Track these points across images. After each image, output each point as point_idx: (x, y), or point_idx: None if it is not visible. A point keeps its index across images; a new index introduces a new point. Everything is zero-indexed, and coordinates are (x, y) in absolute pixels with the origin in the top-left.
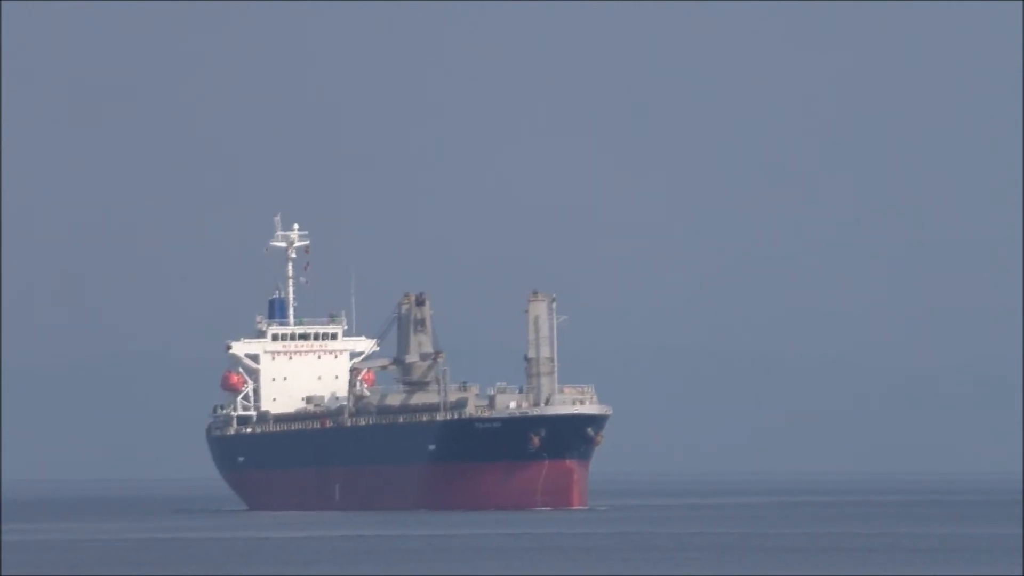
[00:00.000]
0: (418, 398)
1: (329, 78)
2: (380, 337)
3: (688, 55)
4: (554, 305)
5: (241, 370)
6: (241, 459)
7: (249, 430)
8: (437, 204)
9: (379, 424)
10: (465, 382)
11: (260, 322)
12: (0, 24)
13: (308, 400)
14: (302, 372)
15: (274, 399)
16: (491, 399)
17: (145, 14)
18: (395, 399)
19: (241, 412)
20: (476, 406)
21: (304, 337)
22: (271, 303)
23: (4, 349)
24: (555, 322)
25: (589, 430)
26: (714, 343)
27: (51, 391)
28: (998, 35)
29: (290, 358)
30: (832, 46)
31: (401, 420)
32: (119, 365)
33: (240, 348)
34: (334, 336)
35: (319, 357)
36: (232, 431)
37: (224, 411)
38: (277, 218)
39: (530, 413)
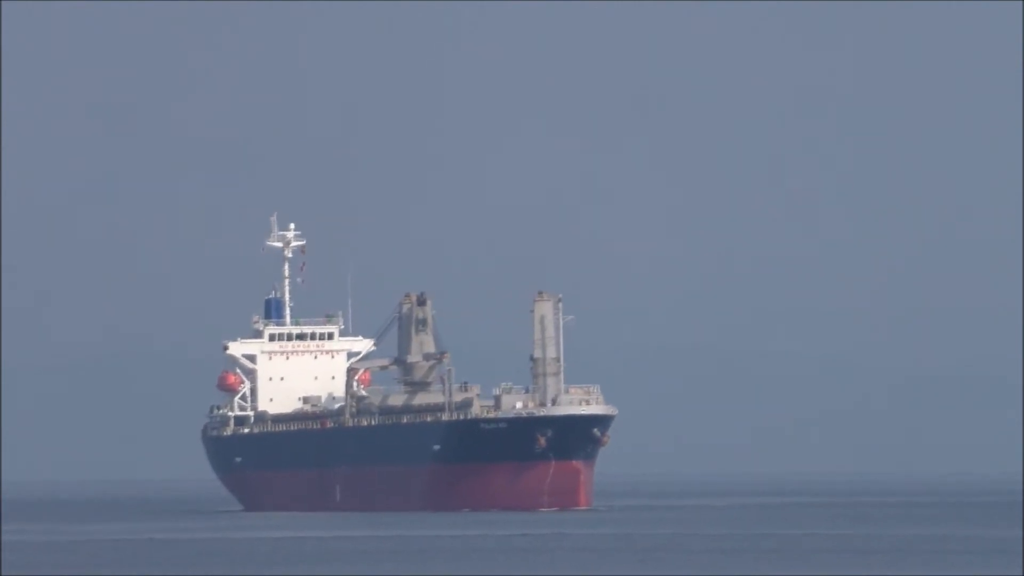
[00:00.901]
0: (420, 398)
1: (329, 78)
2: (378, 337)
3: (690, 55)
4: (560, 305)
5: (238, 370)
6: (238, 460)
7: (247, 430)
8: (435, 204)
9: (382, 424)
10: (466, 382)
11: (256, 322)
12: (0, 24)
13: (305, 400)
14: (299, 372)
15: (271, 399)
16: (497, 399)
17: (144, 14)
18: (397, 399)
19: (238, 412)
20: (482, 406)
21: (301, 337)
22: (267, 303)
23: (4, 349)
24: (561, 322)
25: (595, 431)
26: (717, 343)
27: (49, 392)
28: (998, 35)
29: (287, 358)
30: (832, 46)
31: (405, 420)
32: (117, 365)
33: (237, 348)
34: (331, 336)
35: (316, 357)
36: (229, 431)
37: (221, 411)
38: (273, 218)
39: (537, 413)
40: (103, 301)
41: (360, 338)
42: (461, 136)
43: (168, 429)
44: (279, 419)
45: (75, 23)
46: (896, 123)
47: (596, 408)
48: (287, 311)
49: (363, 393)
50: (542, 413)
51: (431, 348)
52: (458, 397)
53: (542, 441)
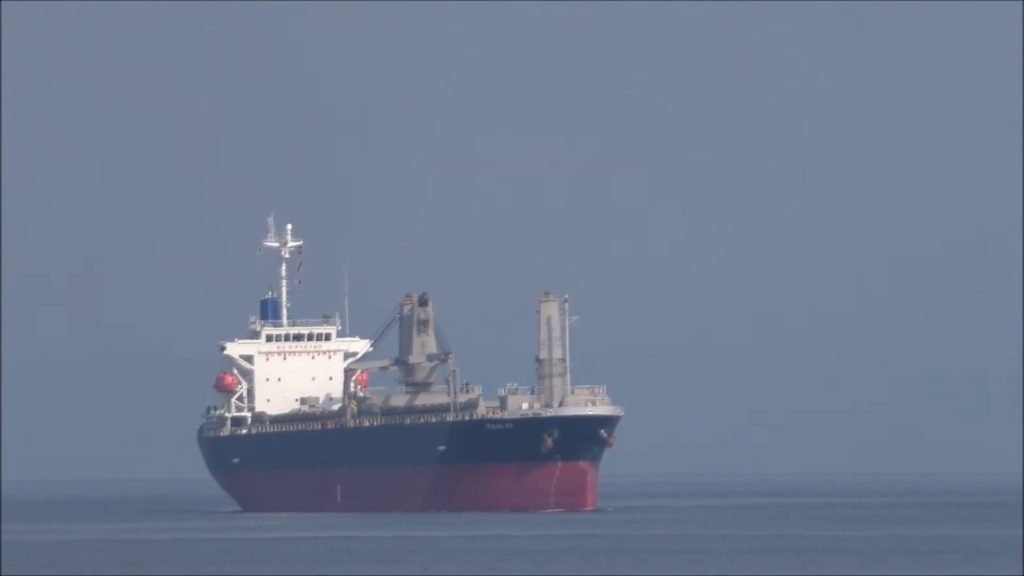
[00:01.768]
0: (422, 399)
1: (329, 78)
2: (377, 338)
3: (691, 55)
4: (567, 306)
5: (235, 371)
6: (236, 460)
7: (245, 431)
8: (433, 205)
9: (385, 425)
10: (467, 383)
11: (253, 323)
12: (0, 24)
13: (303, 401)
14: (296, 373)
15: (268, 400)
16: (502, 400)
17: (143, 14)
18: (399, 400)
19: (235, 413)
20: (487, 407)
21: (298, 338)
22: (263, 304)
23: (4, 350)
24: (567, 323)
25: (602, 431)
26: (719, 344)
27: (48, 392)
28: (998, 35)
29: (284, 359)
30: (832, 46)
31: (408, 421)
32: (115, 366)
33: (234, 349)
34: (328, 337)
35: (313, 358)
36: (226, 432)
37: (218, 412)
38: (270, 219)
39: (543, 414)
40: (101, 301)
41: (357, 339)
42: (461, 136)
43: (164, 429)
44: (278, 420)
45: (75, 23)
46: (896, 123)
47: (603, 409)
48: (284, 312)
49: (363, 394)
50: (549, 414)
51: (432, 349)
52: (462, 398)
53: (549, 442)
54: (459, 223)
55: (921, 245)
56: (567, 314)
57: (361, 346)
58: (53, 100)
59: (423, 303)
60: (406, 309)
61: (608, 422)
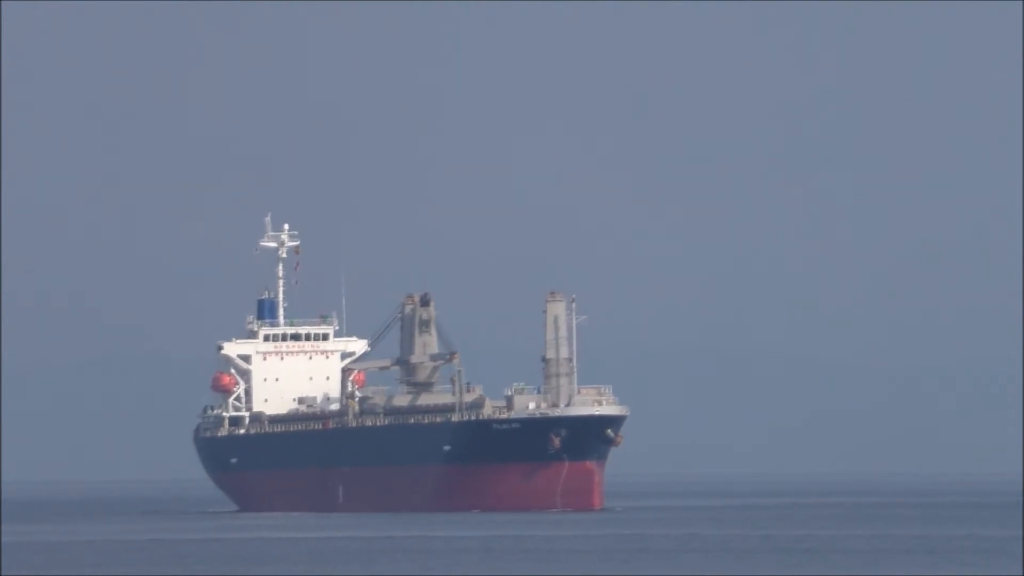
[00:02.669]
0: (424, 399)
1: (329, 77)
2: (376, 338)
3: (694, 57)
4: (573, 305)
5: (233, 371)
6: (234, 460)
7: (242, 431)
8: (431, 205)
9: (389, 425)
10: (468, 382)
11: (251, 322)
12: (0, 24)
13: (300, 401)
14: (294, 373)
15: (266, 400)
16: (509, 400)
17: (141, 14)
18: (402, 400)
19: (233, 413)
20: (493, 407)
21: (296, 338)
22: (260, 303)
23: (4, 350)
24: (574, 322)
25: (609, 431)
26: (721, 344)
27: (46, 392)
28: (998, 35)
29: (282, 359)
30: (833, 46)
31: (412, 421)
32: (112, 366)
33: (232, 349)
34: (325, 337)
35: (311, 358)
36: (224, 432)
37: (215, 412)
38: (267, 218)
39: (551, 414)
40: (98, 301)
41: (354, 339)
42: (460, 136)
43: (161, 429)
44: (277, 420)
45: (72, 22)
46: (896, 123)
47: (610, 408)
48: (281, 312)
49: (365, 394)
50: (556, 413)
51: (434, 349)
52: (467, 397)
53: (556, 442)
54: (459, 223)
55: (921, 245)
56: (574, 314)
57: (359, 346)
58: (53, 100)
59: (425, 303)
60: (407, 309)
61: (615, 422)
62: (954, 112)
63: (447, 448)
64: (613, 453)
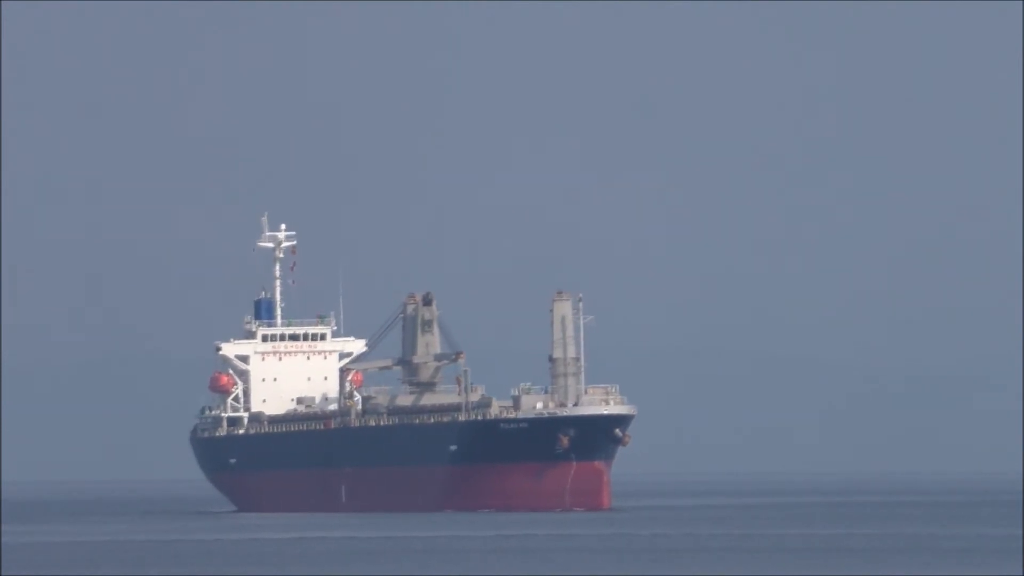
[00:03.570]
0: (427, 399)
1: (327, 76)
2: (373, 338)
3: (694, 56)
4: (580, 305)
5: (231, 371)
6: (233, 460)
7: (242, 431)
8: (429, 205)
9: (393, 425)
10: (470, 382)
11: (248, 323)
12: (0, 24)
13: (299, 401)
14: (292, 373)
15: (264, 400)
16: (516, 399)
17: (138, 13)
18: (406, 400)
19: (231, 413)
20: (500, 407)
21: (294, 338)
22: (257, 304)
23: (4, 350)
24: (582, 322)
25: (617, 431)
26: (726, 343)
27: (41, 393)
28: (998, 35)
29: (280, 359)
30: (832, 46)
31: (417, 421)
32: (109, 366)
33: (230, 349)
34: (323, 337)
35: (308, 358)
36: (222, 432)
37: (213, 412)
38: (264, 219)
39: (559, 414)
40: (95, 301)
41: (352, 339)
42: (461, 135)
43: (158, 430)
44: (276, 420)
45: (73, 23)
46: (896, 123)
47: (619, 408)
48: (278, 312)
49: (368, 394)
50: (565, 413)
51: (437, 348)
52: (473, 397)
53: (564, 441)
54: (459, 223)
55: (921, 245)
56: (581, 313)
57: (357, 346)
58: (53, 100)
59: (427, 303)
60: (409, 309)
61: (623, 421)
62: (954, 112)
63: (453, 448)
64: (619, 452)
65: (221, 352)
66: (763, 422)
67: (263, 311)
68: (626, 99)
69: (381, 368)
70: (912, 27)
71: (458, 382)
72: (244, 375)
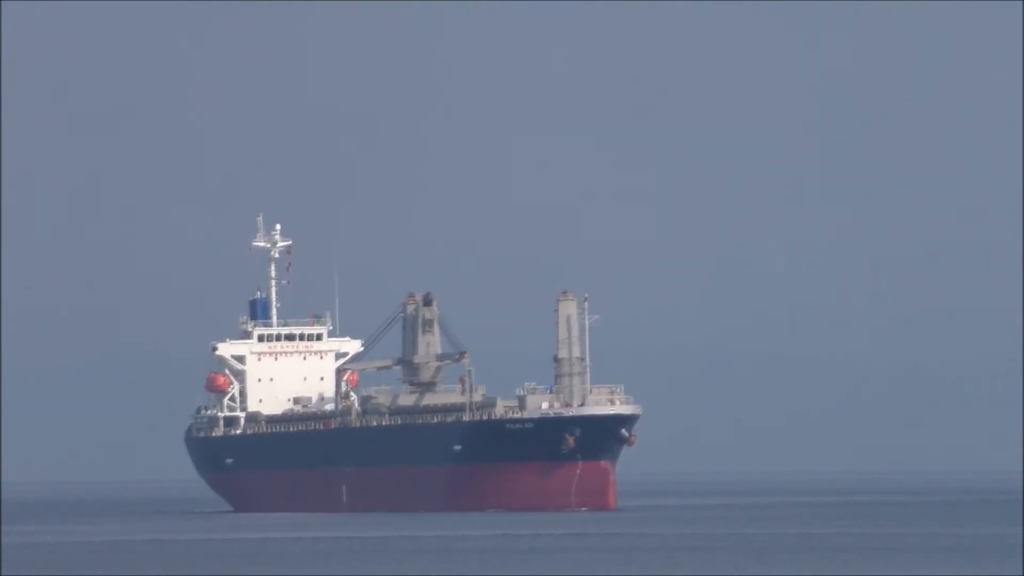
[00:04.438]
0: (429, 399)
1: (325, 75)
2: (373, 337)
3: (695, 56)
4: (586, 304)
5: (227, 371)
6: (230, 460)
7: (239, 431)
8: (427, 204)
9: (396, 424)
10: (473, 383)
11: (244, 323)
12: (0, 24)
13: (295, 401)
14: (288, 373)
15: (260, 400)
16: (521, 399)
17: (135, 12)
18: (407, 400)
19: (228, 413)
20: (505, 407)
21: (290, 338)
22: (252, 304)
23: (4, 349)
24: (587, 322)
25: (623, 430)
26: (732, 343)
27: (44, 392)
28: (998, 35)
29: (276, 359)
30: (832, 46)
31: (420, 421)
32: (104, 366)
33: (226, 349)
34: (319, 337)
35: (304, 358)
36: (218, 432)
37: (209, 412)
38: (259, 218)
39: (565, 413)
40: (91, 300)
41: (348, 339)
42: (462, 134)
43: (152, 429)
44: (274, 420)
45: (73, 23)
46: (896, 122)
47: (624, 408)
48: (273, 312)
49: (368, 393)
50: (571, 413)
51: (438, 348)
52: (474, 397)
53: (571, 441)
54: (458, 223)
55: (921, 244)
56: (586, 313)
57: (353, 346)
58: (51, 99)
59: (427, 302)
60: (409, 309)
61: (630, 421)
62: (953, 111)
63: (458, 448)
64: (625, 452)
65: (218, 352)
66: (769, 421)
67: (258, 311)
68: (631, 97)
69: (380, 368)
70: (912, 27)
71: (462, 382)
72: (240, 375)
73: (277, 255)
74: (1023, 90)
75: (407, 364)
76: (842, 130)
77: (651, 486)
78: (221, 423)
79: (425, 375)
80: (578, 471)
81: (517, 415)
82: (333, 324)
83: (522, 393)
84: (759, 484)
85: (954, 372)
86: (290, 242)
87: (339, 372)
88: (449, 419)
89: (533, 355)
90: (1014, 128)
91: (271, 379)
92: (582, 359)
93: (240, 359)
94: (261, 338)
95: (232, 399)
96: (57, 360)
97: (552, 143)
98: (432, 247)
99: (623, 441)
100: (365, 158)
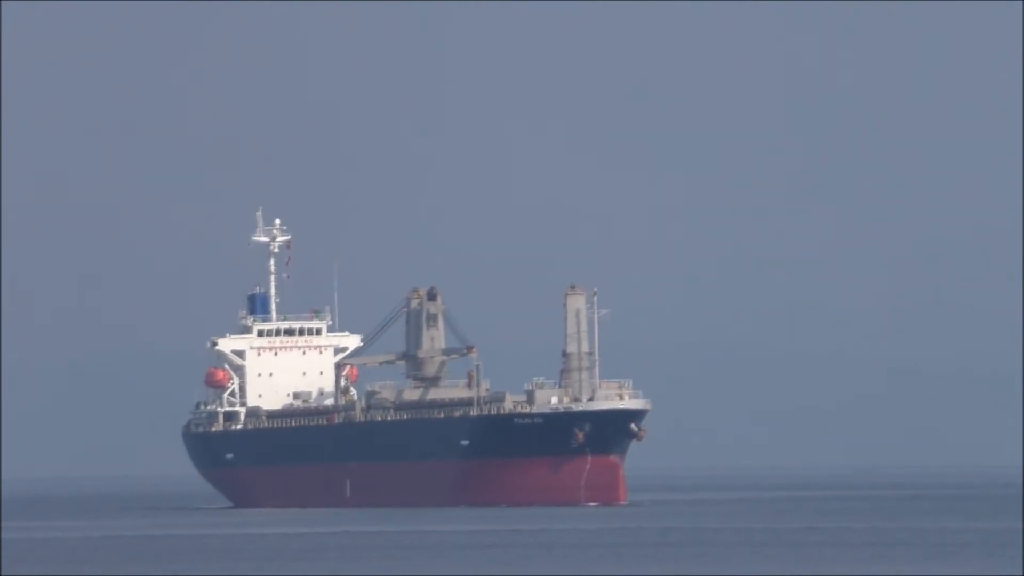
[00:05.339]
0: (433, 393)
1: (325, 73)
2: (375, 332)
3: (694, 55)
4: (595, 299)
5: (226, 366)
6: (230, 456)
7: (239, 426)
8: (430, 201)
9: (402, 419)
10: (481, 377)
11: (243, 318)
12: (0, 24)
13: (295, 396)
14: (288, 368)
15: (260, 395)
16: (530, 394)
17: (133, 11)
18: (412, 395)
19: (227, 408)
20: (514, 401)
21: (289, 333)
22: (252, 298)
23: (4, 349)
24: (596, 316)
25: (632, 425)
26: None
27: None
28: (998, 35)
29: (275, 354)
30: (832, 45)
31: (426, 416)
32: (104, 361)
33: (226, 344)
34: (319, 332)
35: (304, 353)
36: (218, 427)
37: (209, 407)
38: (259, 213)
39: (574, 408)
40: (90, 296)
41: (347, 334)
42: (463, 133)
43: (151, 425)
44: (275, 415)
45: (73, 23)
46: (895, 121)
47: (634, 402)
48: (273, 307)
49: (368, 388)
50: (580, 408)
51: (442, 343)
52: (484, 392)
53: (580, 436)
54: (460, 219)
55: (921, 243)
56: (595, 307)
57: (352, 341)
58: (50, 99)
59: (432, 297)
60: (413, 303)
61: (639, 415)
62: (953, 110)
63: (465, 443)
64: (634, 446)
65: (217, 347)
66: (777, 416)
67: (258, 306)
68: (639, 93)
69: (382, 363)
70: (912, 27)
71: (470, 376)
72: (240, 370)
73: (277, 250)
74: (1023, 90)
75: (411, 359)
76: (844, 129)
77: (661, 481)
78: (221, 418)
79: (429, 370)
80: (587, 466)
81: (526, 410)
82: (333, 319)
83: (530, 388)
84: (771, 479)
85: (954, 367)
86: (290, 237)
87: (338, 367)
88: (456, 414)
89: (537, 350)
90: (1014, 127)
91: (271, 374)
92: (591, 354)
93: (240, 354)
94: (260, 333)
95: (232, 394)
96: (56, 356)
97: (563, 137)
98: (433, 242)
99: (632, 436)
100: (366, 153)
